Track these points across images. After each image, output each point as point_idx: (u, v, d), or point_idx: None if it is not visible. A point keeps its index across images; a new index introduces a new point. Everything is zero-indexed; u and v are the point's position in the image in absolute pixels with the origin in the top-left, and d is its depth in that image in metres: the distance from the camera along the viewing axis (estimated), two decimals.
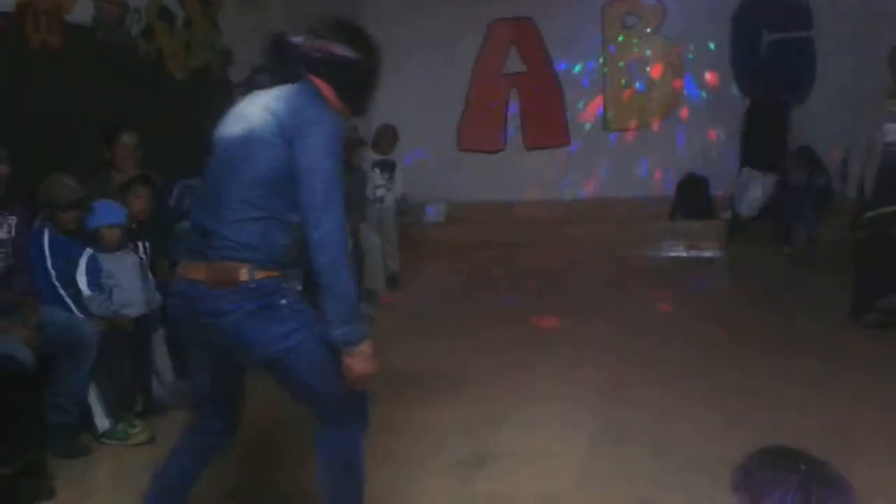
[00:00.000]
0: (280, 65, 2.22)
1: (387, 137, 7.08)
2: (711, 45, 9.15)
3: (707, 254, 7.95)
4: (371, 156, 7.01)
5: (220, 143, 2.22)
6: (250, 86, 2.29)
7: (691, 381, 4.03)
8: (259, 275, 2.07)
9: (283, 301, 2.10)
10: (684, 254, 8.07)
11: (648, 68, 9.36)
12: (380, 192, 6.95)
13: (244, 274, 2.06)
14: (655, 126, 9.38)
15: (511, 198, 9.49)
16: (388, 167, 7.05)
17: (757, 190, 8.17)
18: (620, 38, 9.44)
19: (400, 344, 5.10)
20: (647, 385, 4.05)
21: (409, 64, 9.65)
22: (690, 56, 9.24)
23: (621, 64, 9.46)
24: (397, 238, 7.15)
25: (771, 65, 8.87)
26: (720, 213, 8.62)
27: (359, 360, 2.10)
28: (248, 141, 2.12)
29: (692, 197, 8.79)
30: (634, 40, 9.39)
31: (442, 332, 5.32)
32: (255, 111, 2.15)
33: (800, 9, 8.73)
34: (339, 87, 2.25)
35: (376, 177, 6.95)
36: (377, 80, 2.36)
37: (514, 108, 9.79)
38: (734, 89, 9.04)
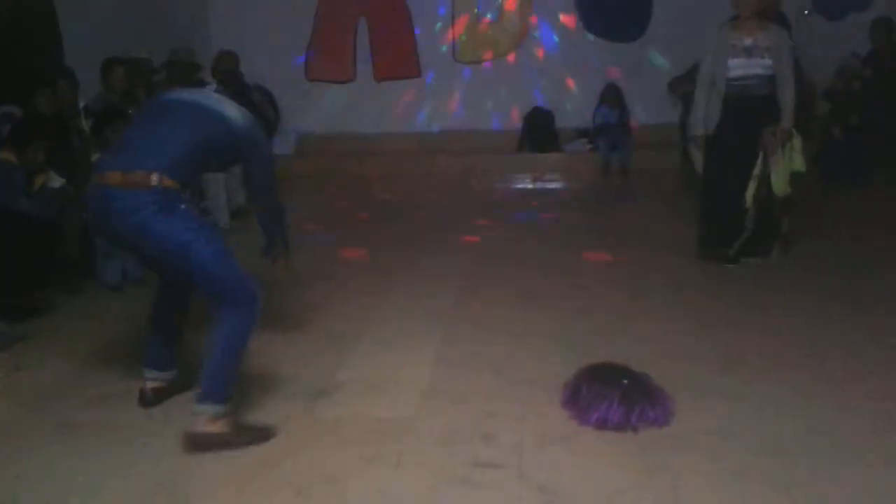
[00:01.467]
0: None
1: (226, 63, 6.72)
2: None
3: (551, 185, 8.26)
4: (210, 83, 6.63)
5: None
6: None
7: (534, 305, 4.17)
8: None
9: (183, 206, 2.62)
10: (530, 185, 8.31)
11: (500, 0, 9.37)
12: None
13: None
14: (508, 59, 9.46)
15: (364, 130, 9.37)
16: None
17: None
18: None
19: None
20: (492, 307, 4.16)
21: None
22: None
23: None
24: (241, 171, 6.85)
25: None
26: (563, 147, 8.94)
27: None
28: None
29: (538, 130, 9.03)
30: None
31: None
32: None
33: None
34: None
35: None
36: None
37: (363, 38, 9.58)
38: (577, 20, 9.24)
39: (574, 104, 9.19)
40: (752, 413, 2.84)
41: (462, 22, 9.48)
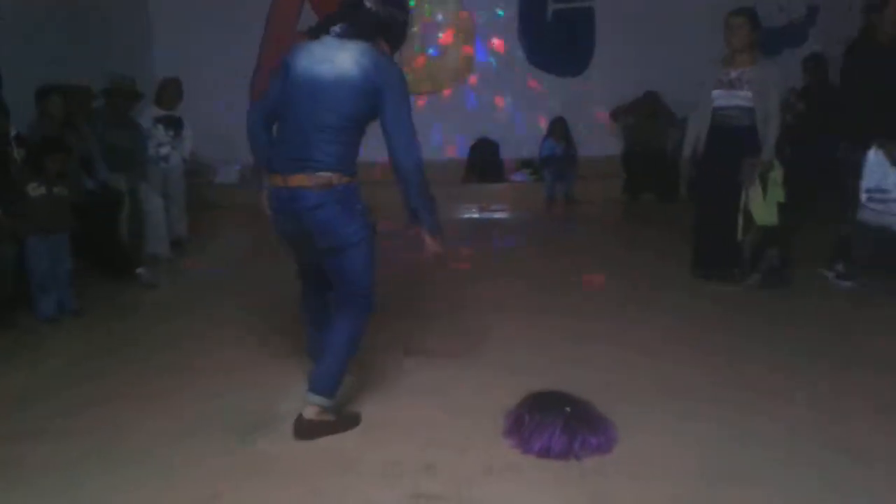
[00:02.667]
0: (354, 24, 2.87)
1: (169, 91, 6.62)
2: (500, 13, 9.44)
3: (497, 215, 8.34)
4: (153, 111, 6.55)
5: (307, 78, 2.85)
6: (318, 33, 2.94)
7: (477, 332, 4.17)
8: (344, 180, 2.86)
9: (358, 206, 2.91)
10: (476, 215, 8.37)
11: (442, 34, 9.49)
12: (164, 151, 6.51)
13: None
14: (453, 91, 9.56)
15: None
16: (173, 123, 6.60)
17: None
18: (412, 3, 9.45)
19: (181, 307, 4.96)
20: (434, 336, 4.14)
21: (198, 14, 9.16)
22: (480, 21, 9.47)
23: (414, 29, 9.51)
24: (185, 200, 6.77)
25: (555, 33, 9.32)
26: (509, 177, 9.07)
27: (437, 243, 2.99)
28: (338, 84, 2.80)
29: (484, 161, 9.14)
30: (427, 6, 9.46)
31: (228, 296, 5.16)
32: (346, 62, 2.80)
33: None
34: (392, 44, 2.99)
35: (160, 133, 6.50)
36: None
37: None
38: (520, 54, 9.40)
39: (519, 136, 9.33)
40: (696, 440, 2.87)
41: (408, 53, 9.55)
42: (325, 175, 2.80)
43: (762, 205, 4.81)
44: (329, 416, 2.98)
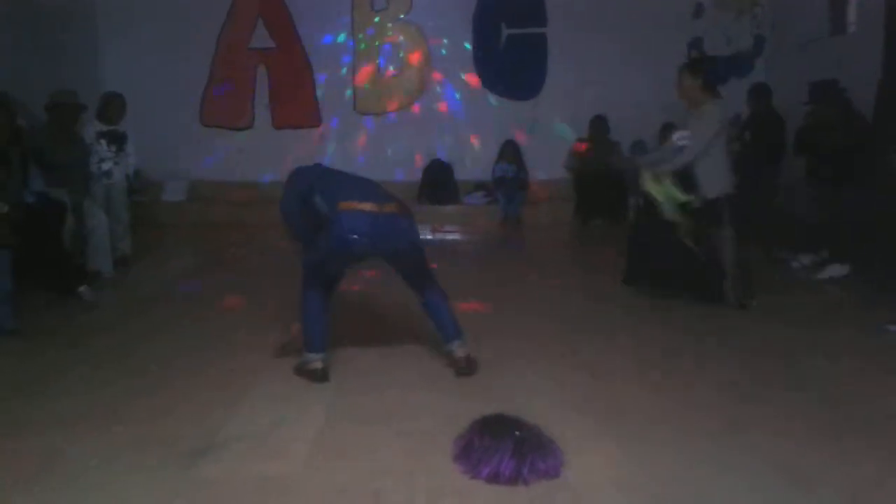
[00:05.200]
0: None
1: (113, 106, 6.47)
2: (468, 45, 9.51)
3: (450, 236, 8.33)
4: (96, 126, 6.40)
5: None
6: None
7: (425, 355, 4.13)
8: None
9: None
10: (429, 236, 8.33)
11: (402, 54, 9.52)
12: (106, 166, 6.35)
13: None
14: (409, 111, 9.57)
15: (261, 178, 9.22)
16: (116, 139, 6.45)
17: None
18: (377, 20, 9.48)
19: (125, 327, 4.80)
20: (384, 358, 4.09)
21: (145, 28, 9.03)
22: (444, 52, 9.55)
23: (376, 44, 9.53)
24: (129, 217, 6.61)
25: (508, 58, 9.42)
26: (462, 199, 9.09)
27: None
28: None
29: (437, 182, 9.14)
30: (389, 24, 9.48)
31: (171, 315, 5.04)
32: None
33: (535, 4, 9.35)
34: None
35: (102, 149, 6.34)
36: None
37: (262, 85, 9.50)
38: (482, 84, 9.48)
39: (474, 158, 9.37)
40: (644, 463, 2.86)
41: (364, 73, 9.56)
42: None
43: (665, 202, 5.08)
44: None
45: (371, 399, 3.53)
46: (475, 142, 9.48)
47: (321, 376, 3.73)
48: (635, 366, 3.98)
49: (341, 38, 9.51)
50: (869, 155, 5.87)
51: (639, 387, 3.67)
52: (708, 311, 4.96)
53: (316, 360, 3.75)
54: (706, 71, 5.24)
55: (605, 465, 2.84)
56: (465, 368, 3.78)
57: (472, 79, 9.52)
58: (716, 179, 5.02)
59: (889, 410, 3.39)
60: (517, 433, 2.82)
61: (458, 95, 9.56)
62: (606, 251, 7.19)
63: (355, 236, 3.57)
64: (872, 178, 5.71)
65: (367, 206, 3.59)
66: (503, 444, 2.76)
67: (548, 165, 9.16)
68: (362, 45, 9.51)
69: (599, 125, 8.82)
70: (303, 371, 3.77)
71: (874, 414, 3.35)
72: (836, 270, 5.77)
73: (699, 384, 3.69)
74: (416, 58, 9.50)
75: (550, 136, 9.22)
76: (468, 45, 9.48)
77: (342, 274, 3.93)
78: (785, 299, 5.36)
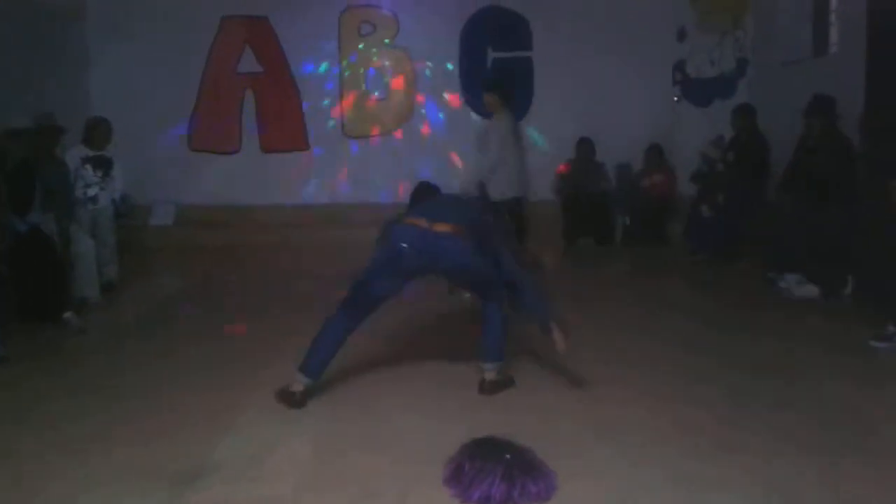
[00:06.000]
0: None
1: (99, 131, 6.47)
2: (450, 66, 9.58)
3: None
4: (82, 151, 6.39)
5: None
6: None
7: (418, 379, 4.11)
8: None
9: None
10: None
11: (388, 79, 9.57)
12: (92, 192, 6.34)
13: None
14: (395, 135, 9.62)
15: (248, 202, 9.21)
16: (102, 164, 6.43)
17: None
18: (361, 46, 9.55)
19: (112, 353, 4.76)
20: (377, 382, 4.08)
21: (136, 53, 9.05)
22: (428, 73, 9.61)
23: (361, 70, 9.59)
24: (115, 242, 6.58)
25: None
26: None
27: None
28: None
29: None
30: (374, 49, 9.55)
31: (159, 340, 5.01)
32: None
33: (521, 28, 9.44)
34: None
35: (88, 174, 6.33)
36: None
37: (250, 109, 9.53)
38: (467, 106, 9.52)
39: (459, 180, 9.38)
40: (637, 485, 2.85)
41: (350, 98, 9.60)
42: None
43: None
44: (502, 375, 3.94)
45: (362, 422, 3.51)
46: (460, 163, 9.49)
47: (297, 401, 3.67)
48: (627, 386, 3.96)
49: (330, 64, 9.56)
50: (852, 178, 5.91)
51: (631, 407, 3.66)
52: (695, 328, 4.97)
53: (299, 384, 3.70)
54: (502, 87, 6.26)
55: (599, 487, 2.83)
56: (483, 390, 3.89)
57: (455, 100, 9.58)
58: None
59: (878, 427, 3.41)
60: (508, 456, 2.81)
61: (442, 118, 9.62)
62: (591, 269, 7.24)
63: (404, 245, 3.71)
64: (855, 202, 5.74)
65: (419, 222, 3.76)
66: (494, 467, 2.74)
67: (536, 187, 9.17)
68: (347, 72, 9.57)
69: (585, 147, 8.86)
70: (283, 393, 3.71)
71: (864, 431, 3.36)
72: (808, 291, 5.82)
73: (690, 405, 3.68)
74: (400, 82, 9.56)
75: (536, 155, 9.23)
76: (450, 66, 9.55)
77: (385, 296, 3.85)
78: (772, 317, 5.40)
